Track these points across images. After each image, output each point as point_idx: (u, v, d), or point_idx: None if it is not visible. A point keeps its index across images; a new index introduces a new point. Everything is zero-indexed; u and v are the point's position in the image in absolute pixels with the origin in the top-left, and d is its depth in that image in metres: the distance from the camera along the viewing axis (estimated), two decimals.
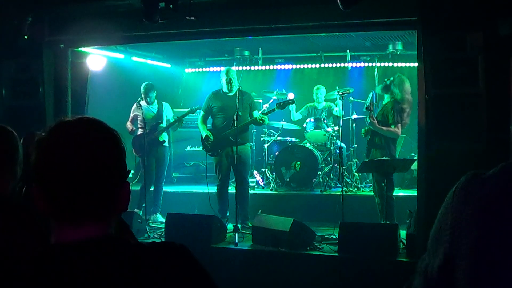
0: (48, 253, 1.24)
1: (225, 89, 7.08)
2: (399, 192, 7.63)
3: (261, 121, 7.06)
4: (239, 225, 6.35)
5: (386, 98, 6.61)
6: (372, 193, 6.83)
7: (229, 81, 6.98)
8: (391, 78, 6.56)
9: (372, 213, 6.66)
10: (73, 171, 1.21)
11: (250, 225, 6.52)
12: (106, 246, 1.24)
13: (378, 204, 6.50)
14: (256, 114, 7.16)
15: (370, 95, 6.96)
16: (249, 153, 7.43)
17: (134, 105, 7.81)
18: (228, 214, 7.05)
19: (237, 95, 6.74)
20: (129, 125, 7.82)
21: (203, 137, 7.14)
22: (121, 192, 1.30)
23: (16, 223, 1.96)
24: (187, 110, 8.21)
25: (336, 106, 8.55)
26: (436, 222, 1.08)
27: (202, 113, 7.28)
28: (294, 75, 10.15)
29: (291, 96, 8.38)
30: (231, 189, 7.30)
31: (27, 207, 2.15)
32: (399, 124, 6.38)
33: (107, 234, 1.27)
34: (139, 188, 7.58)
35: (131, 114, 7.88)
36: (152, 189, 7.79)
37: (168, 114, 8.14)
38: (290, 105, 7.98)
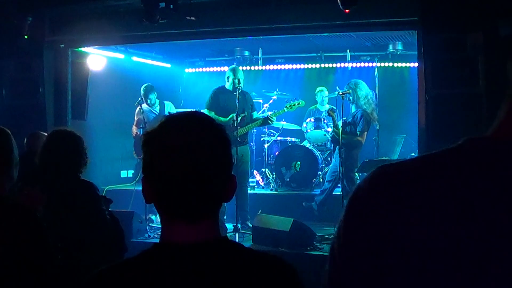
0: (161, 251, 1.24)
1: (229, 88, 6.80)
2: None
3: (269, 121, 7.01)
4: (239, 225, 6.34)
5: (353, 107, 6.89)
6: None
7: (237, 82, 6.64)
8: (350, 95, 6.78)
9: None
10: (190, 169, 1.20)
11: (250, 225, 6.51)
12: (220, 249, 1.25)
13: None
14: (256, 114, 7.12)
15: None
16: (249, 152, 7.42)
17: (137, 109, 7.76)
18: (225, 217, 6.80)
19: (240, 95, 6.60)
20: (134, 129, 7.75)
21: None
22: (230, 185, 1.30)
23: (16, 223, 1.96)
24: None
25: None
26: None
27: (211, 113, 6.68)
28: (294, 75, 10.14)
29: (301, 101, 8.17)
30: None
31: (26, 206, 2.15)
32: (365, 133, 6.70)
33: (220, 236, 1.29)
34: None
35: (135, 118, 7.80)
36: None
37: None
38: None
